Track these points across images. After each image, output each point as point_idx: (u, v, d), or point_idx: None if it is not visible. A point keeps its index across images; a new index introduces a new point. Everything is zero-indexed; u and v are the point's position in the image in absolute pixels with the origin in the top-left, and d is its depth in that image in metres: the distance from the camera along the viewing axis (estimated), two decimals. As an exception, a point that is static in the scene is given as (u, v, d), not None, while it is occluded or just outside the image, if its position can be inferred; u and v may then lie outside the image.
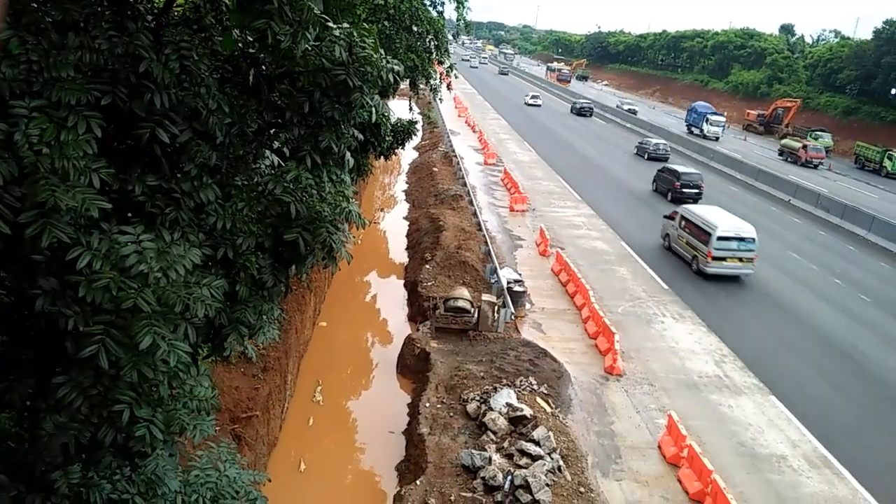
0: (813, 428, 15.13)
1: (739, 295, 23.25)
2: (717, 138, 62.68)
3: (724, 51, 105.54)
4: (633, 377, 16.72)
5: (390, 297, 23.01)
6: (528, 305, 20.22)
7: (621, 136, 61.12)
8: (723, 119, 66.43)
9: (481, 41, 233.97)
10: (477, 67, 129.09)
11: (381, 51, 7.79)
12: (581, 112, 73.05)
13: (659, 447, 13.90)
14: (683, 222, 24.38)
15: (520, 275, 21.43)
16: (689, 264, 24.17)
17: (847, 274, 26.61)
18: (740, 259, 22.67)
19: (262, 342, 6.66)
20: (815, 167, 55.40)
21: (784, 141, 61.61)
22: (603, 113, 76.03)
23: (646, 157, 49.13)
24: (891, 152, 55.88)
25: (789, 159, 57.98)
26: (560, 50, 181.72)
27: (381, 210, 33.81)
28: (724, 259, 22.46)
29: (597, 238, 27.98)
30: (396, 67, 7.48)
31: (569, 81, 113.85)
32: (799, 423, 15.33)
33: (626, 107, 79.36)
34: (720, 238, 22.34)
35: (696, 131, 65.09)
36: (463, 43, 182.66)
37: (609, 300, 21.09)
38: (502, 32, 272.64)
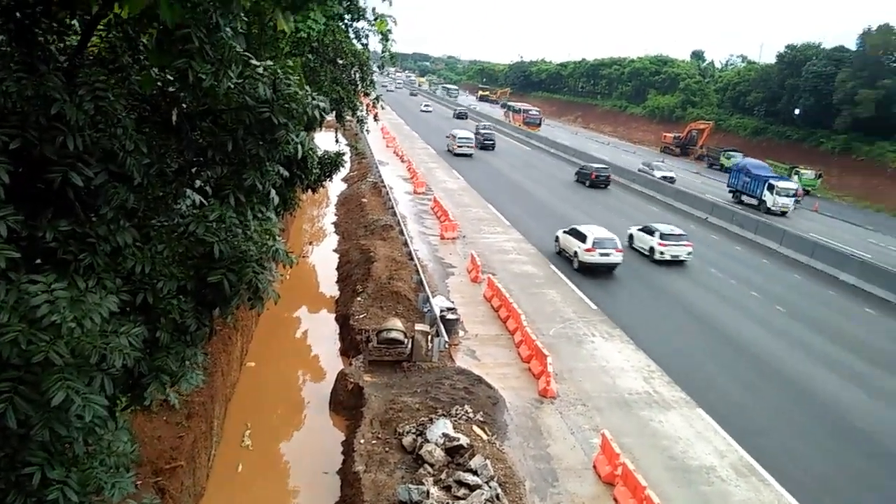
0: (738, 437, 15.72)
1: (664, 311, 24.14)
2: (785, 213, 45.11)
3: (641, 77, 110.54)
4: (567, 398, 16.99)
5: (321, 332, 22.65)
6: (461, 333, 20.31)
7: (549, 162, 62.76)
8: (795, 186, 48.29)
9: (414, 73, 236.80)
10: (393, 91, 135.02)
11: (307, 87, 7.78)
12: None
13: (594, 467, 14.12)
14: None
15: (452, 302, 21.55)
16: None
17: (763, 287, 28.06)
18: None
19: (186, 389, 6.42)
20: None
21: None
22: (529, 140, 78.00)
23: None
24: (797, 169, 59.67)
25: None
26: (484, 79, 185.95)
27: (311, 243, 33.40)
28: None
29: (526, 262, 28.50)
30: (322, 104, 7.48)
31: (539, 125, 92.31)
32: (725, 433, 15.91)
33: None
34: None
35: (752, 201, 47.45)
36: (388, 74, 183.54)
37: (541, 323, 21.44)
38: (427, 63, 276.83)
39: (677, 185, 50.36)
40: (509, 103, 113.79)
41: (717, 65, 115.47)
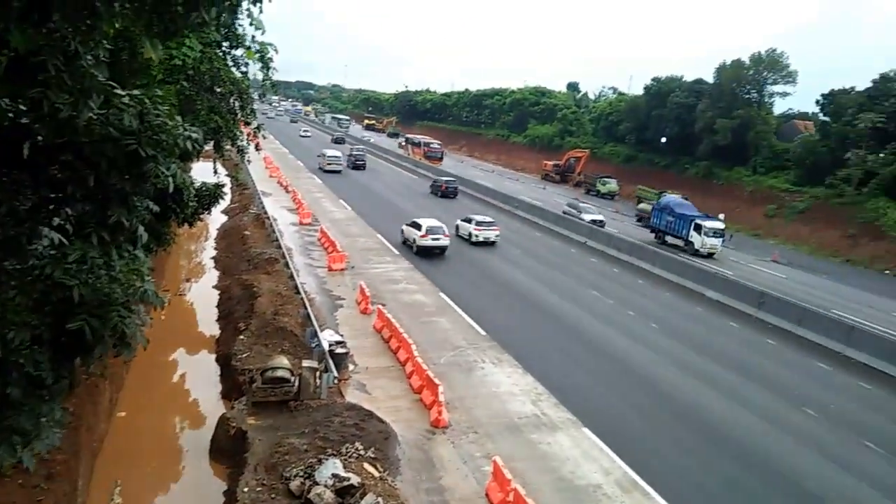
0: (622, 453, 16.33)
1: (547, 333, 24.92)
2: (713, 254, 43.39)
3: (521, 107, 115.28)
4: (459, 427, 17.04)
5: (201, 375, 21.44)
6: (351, 367, 19.93)
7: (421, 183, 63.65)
8: (722, 225, 45.12)
9: (298, 101, 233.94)
10: (274, 118, 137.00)
11: (178, 117, 7.41)
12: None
13: (487, 495, 14.18)
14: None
15: (342, 336, 21.13)
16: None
17: (638, 305, 29.71)
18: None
19: (42, 449, 5.81)
20: None
21: (641, 206, 57.86)
22: (416, 168, 78.95)
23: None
24: (665, 194, 64.01)
25: (646, 225, 52.64)
26: (370, 108, 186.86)
27: (188, 280, 31.70)
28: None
29: (416, 291, 28.57)
30: (195, 135, 7.16)
31: (441, 159, 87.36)
32: (609, 450, 16.49)
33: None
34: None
35: (678, 242, 45.20)
36: (270, 102, 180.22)
37: (432, 352, 21.48)
38: (312, 92, 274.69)
39: (553, 210, 52.57)
40: (408, 135, 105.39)
41: (591, 96, 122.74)
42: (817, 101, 66.11)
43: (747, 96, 70.79)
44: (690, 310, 30.58)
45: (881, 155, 55.54)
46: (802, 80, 79.46)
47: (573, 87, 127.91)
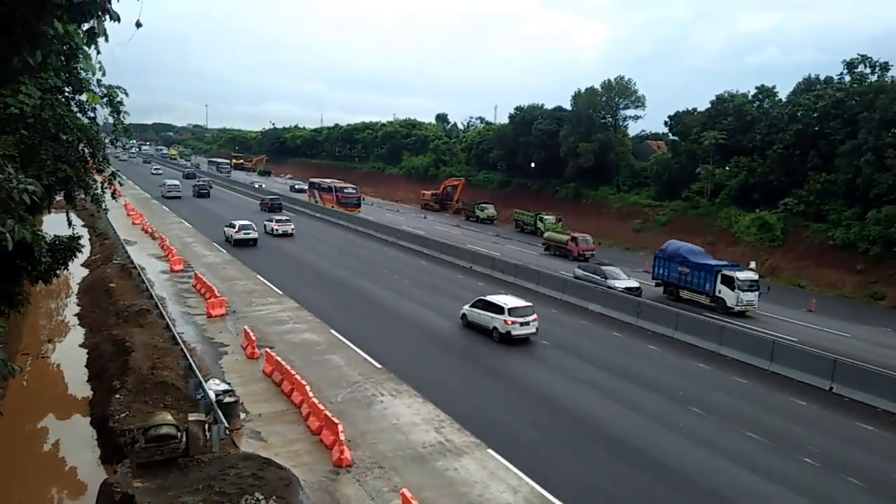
0: (527, 470, 16.39)
1: (443, 359, 24.84)
2: (745, 312, 35.12)
3: (394, 139, 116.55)
4: (363, 464, 16.45)
5: (76, 440, 19.43)
6: (242, 415, 18.78)
7: (314, 226, 62.50)
8: (755, 276, 37.06)
9: (155, 144, 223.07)
10: (126, 160, 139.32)
11: (10, 168, 6.67)
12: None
13: (400, 530, 13.72)
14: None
15: (229, 384, 19.87)
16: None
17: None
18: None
19: None
20: (586, 260, 48.50)
21: (548, 234, 56.10)
22: (294, 206, 77.25)
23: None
24: (541, 216, 66.78)
25: (556, 254, 53.26)
26: (237, 147, 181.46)
27: (50, 341, 28.82)
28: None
29: (305, 330, 27.62)
30: (31, 187, 6.48)
31: (358, 206, 76.58)
32: (515, 469, 16.51)
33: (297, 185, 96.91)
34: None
35: (699, 298, 36.98)
36: (125, 146, 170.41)
37: (328, 391, 20.73)
38: (171, 133, 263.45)
39: (438, 238, 53.12)
40: (313, 180, 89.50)
41: (460, 126, 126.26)
42: (666, 122, 72.05)
43: (603, 121, 75.75)
44: (576, 323, 31.69)
45: (726, 168, 61.23)
46: (650, 104, 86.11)
47: (442, 118, 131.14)
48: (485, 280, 40.76)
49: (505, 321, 26.61)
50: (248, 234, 48.23)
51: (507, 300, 27.86)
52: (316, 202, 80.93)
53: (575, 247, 51.57)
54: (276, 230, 54.05)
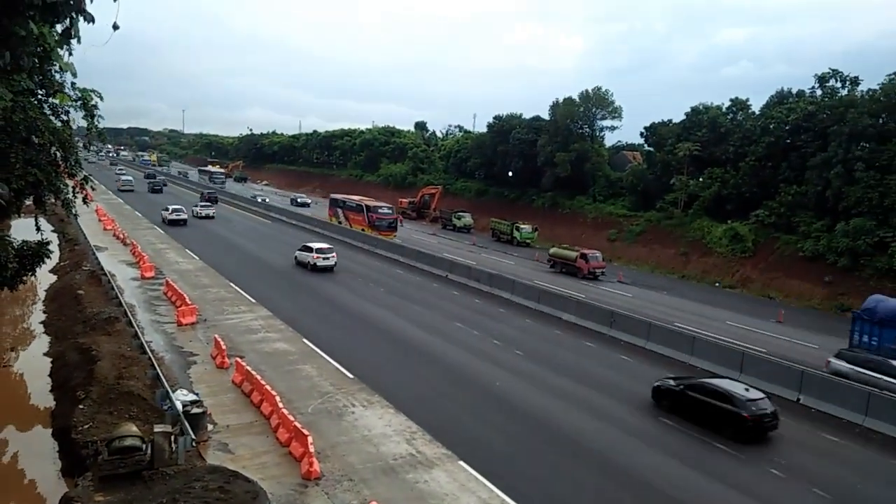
0: (497, 481, 16.33)
1: (416, 369, 24.71)
2: None
3: (372, 147, 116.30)
4: (332, 476, 16.25)
5: (35, 452, 18.92)
6: (210, 427, 18.45)
7: (290, 233, 62.02)
8: None
9: (131, 149, 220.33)
10: (95, 163, 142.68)
11: None
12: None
13: (368, 544, 13.56)
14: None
15: (197, 394, 19.53)
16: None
17: (502, 334, 30.39)
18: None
19: None
20: (596, 278, 47.83)
21: (553, 250, 52.79)
22: (268, 213, 76.62)
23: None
24: (517, 225, 67.01)
25: (563, 271, 50.10)
26: (213, 153, 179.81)
27: (13, 349, 28.11)
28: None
29: (277, 339, 27.31)
30: None
31: (395, 230, 64.71)
32: (486, 480, 16.42)
33: (260, 198, 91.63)
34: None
35: None
36: (98, 152, 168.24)
37: (298, 402, 20.48)
38: (147, 138, 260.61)
39: (415, 247, 52.96)
40: (336, 196, 75.21)
41: (439, 134, 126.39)
42: (641, 133, 72.95)
43: (581, 131, 76.37)
44: (549, 333, 31.76)
45: (700, 179, 62.03)
46: (626, 115, 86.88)
47: (421, 126, 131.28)
48: (460, 289, 40.72)
49: (314, 257, 42.72)
50: (180, 215, 61.81)
51: (317, 245, 44.72)
52: (340, 223, 67.83)
53: (585, 264, 48.66)
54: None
